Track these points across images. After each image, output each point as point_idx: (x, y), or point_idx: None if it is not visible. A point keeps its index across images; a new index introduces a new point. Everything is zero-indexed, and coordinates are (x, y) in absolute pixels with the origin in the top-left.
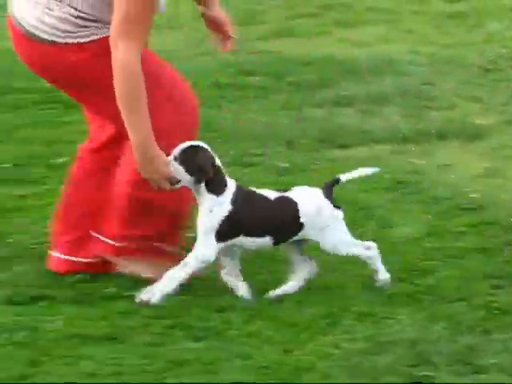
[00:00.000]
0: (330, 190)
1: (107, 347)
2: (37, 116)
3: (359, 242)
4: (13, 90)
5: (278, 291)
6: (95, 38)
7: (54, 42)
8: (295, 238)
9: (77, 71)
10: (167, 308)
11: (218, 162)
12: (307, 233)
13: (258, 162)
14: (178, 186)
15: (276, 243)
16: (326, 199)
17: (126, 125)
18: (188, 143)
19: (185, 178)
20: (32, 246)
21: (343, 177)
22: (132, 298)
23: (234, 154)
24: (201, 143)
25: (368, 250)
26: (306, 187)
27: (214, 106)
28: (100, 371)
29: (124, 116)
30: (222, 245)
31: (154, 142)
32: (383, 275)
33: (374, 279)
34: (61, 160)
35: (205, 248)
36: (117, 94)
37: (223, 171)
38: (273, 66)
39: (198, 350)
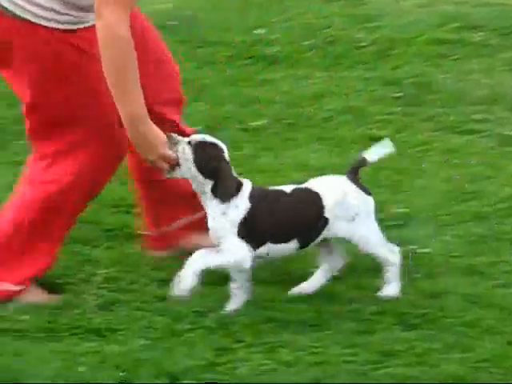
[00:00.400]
0: (356, 173)
1: (309, 334)
2: (232, 73)
3: (386, 241)
4: (206, 44)
5: (297, 289)
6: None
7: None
8: (322, 236)
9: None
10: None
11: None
12: (333, 228)
13: (480, 129)
14: (175, 172)
15: (302, 246)
16: (351, 184)
17: (114, 98)
18: (208, 137)
19: (189, 165)
20: None
21: (369, 156)
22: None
23: (453, 119)
24: (220, 142)
25: (392, 254)
26: (328, 176)
27: (434, 65)
28: (299, 360)
29: (112, 87)
30: (252, 250)
31: (147, 117)
32: (394, 289)
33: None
34: (259, 123)
35: (236, 248)
36: (103, 63)
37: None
38: (499, 21)
39: (410, 339)
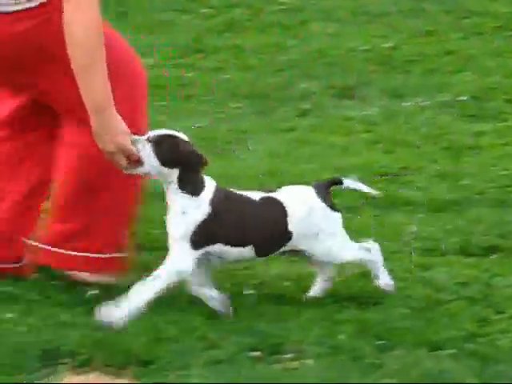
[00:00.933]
0: (326, 188)
1: None
2: (499, 44)
3: (358, 244)
4: (471, 14)
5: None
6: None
7: None
8: (284, 248)
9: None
10: None
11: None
12: (296, 243)
13: None
14: (137, 169)
15: (260, 255)
16: (320, 200)
17: (80, 84)
18: (168, 131)
19: (152, 162)
20: (486, 190)
21: (347, 182)
22: None
23: None
24: (179, 133)
25: (369, 253)
26: (296, 186)
27: None
28: None
29: (80, 72)
30: (197, 253)
31: (113, 107)
32: (386, 279)
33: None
34: None
35: (179, 258)
36: (71, 48)
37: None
38: None
39: None
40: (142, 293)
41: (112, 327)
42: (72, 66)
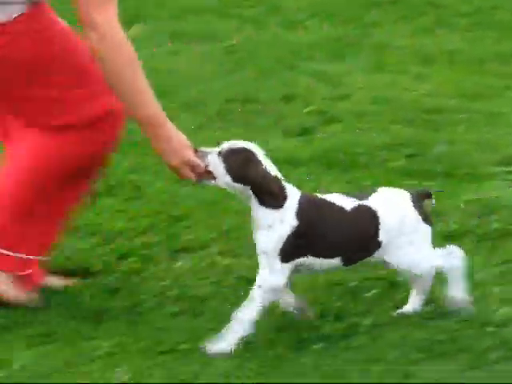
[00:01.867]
0: (422, 197)
1: None
2: None
3: (441, 250)
4: None
5: (402, 310)
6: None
7: None
8: (372, 258)
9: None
10: None
11: (271, 167)
12: (383, 252)
13: None
14: (211, 182)
15: (347, 264)
16: (415, 210)
17: (128, 104)
18: (239, 143)
19: (223, 177)
20: None
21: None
22: None
23: None
24: (253, 147)
25: (450, 258)
26: (391, 190)
27: None
28: None
29: (124, 93)
30: (287, 266)
31: (166, 119)
32: (461, 293)
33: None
34: None
35: (271, 274)
36: (106, 71)
37: (279, 177)
38: None
39: None
40: (244, 320)
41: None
42: (114, 87)
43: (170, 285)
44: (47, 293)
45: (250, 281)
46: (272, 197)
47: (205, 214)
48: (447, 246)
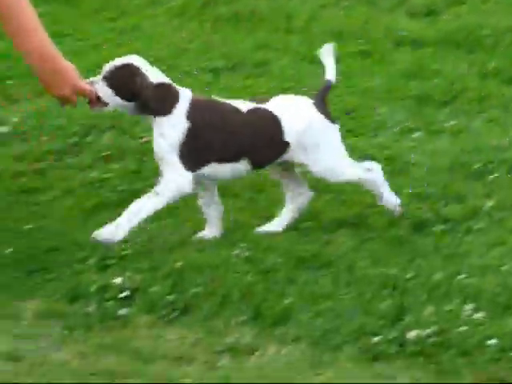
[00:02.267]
0: (323, 97)
1: None
2: None
3: (359, 163)
4: None
5: (267, 227)
6: None
7: None
8: (278, 160)
9: None
10: None
11: (157, 74)
12: (293, 154)
13: None
14: (104, 108)
15: (254, 167)
16: (318, 112)
17: (18, 39)
18: (119, 61)
19: (115, 101)
20: None
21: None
22: None
23: None
24: (134, 59)
25: (367, 172)
26: (291, 96)
27: None
28: None
29: (13, 29)
30: (193, 174)
31: (54, 52)
32: (390, 199)
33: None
34: None
35: (175, 175)
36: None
37: (167, 83)
38: None
39: None
40: (142, 211)
41: (113, 245)
42: (6, 26)
43: None
44: None
45: None
46: (158, 104)
47: None
48: (365, 161)
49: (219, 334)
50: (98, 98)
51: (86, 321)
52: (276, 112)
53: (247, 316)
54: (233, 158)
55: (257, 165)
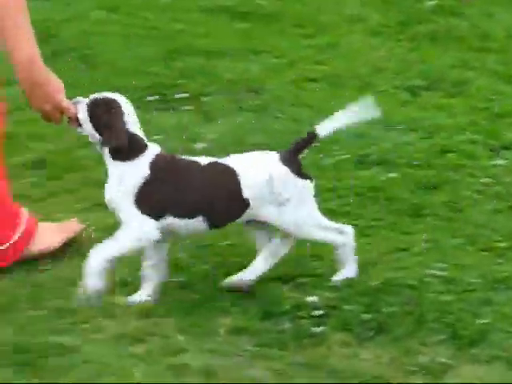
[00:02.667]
0: (296, 151)
1: None
2: None
3: (332, 223)
4: None
5: (234, 278)
6: None
7: None
8: (243, 218)
9: None
10: None
11: (135, 126)
12: (257, 212)
13: None
14: (78, 129)
15: (212, 225)
16: (283, 165)
17: (10, 41)
18: (111, 95)
19: (88, 126)
20: None
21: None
22: None
23: None
24: (117, 97)
25: (339, 235)
26: (255, 152)
27: None
28: None
29: (8, 29)
30: (156, 222)
31: (42, 63)
32: (351, 271)
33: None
34: None
35: (136, 222)
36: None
37: (139, 135)
38: None
39: None
40: (100, 257)
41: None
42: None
43: (488, 182)
44: None
45: None
46: (120, 148)
47: None
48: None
49: (414, 353)
50: (77, 119)
51: (279, 338)
52: (235, 167)
53: (445, 336)
54: (187, 215)
55: (214, 222)
